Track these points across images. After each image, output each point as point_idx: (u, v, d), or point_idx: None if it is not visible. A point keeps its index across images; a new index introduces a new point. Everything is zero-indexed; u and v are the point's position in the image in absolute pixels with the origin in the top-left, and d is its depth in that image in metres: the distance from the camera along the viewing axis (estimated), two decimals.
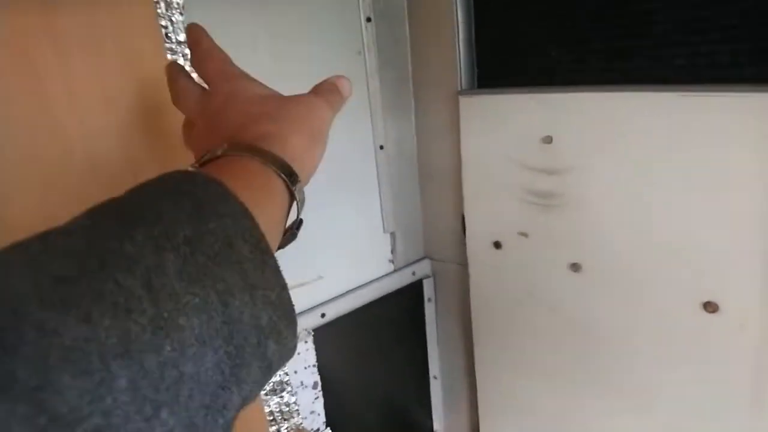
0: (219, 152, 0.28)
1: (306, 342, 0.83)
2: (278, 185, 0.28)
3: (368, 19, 0.84)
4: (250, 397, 0.23)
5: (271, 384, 0.78)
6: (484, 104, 0.79)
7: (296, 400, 0.81)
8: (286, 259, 0.77)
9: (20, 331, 0.16)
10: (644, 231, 0.63)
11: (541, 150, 0.71)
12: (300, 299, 0.84)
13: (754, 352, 0.56)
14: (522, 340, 0.85)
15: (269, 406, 0.79)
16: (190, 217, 0.22)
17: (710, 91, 0.54)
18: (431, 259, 1.01)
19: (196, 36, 0.37)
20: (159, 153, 0.56)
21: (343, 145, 0.85)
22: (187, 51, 0.57)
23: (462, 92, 0.82)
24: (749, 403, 0.59)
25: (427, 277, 1.01)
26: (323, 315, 0.86)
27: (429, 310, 1.03)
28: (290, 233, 0.32)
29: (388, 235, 0.96)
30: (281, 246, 0.30)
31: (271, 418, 0.79)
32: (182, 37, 0.60)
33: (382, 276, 0.96)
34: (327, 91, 0.36)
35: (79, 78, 0.50)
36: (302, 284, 0.84)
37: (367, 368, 0.98)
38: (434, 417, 1.11)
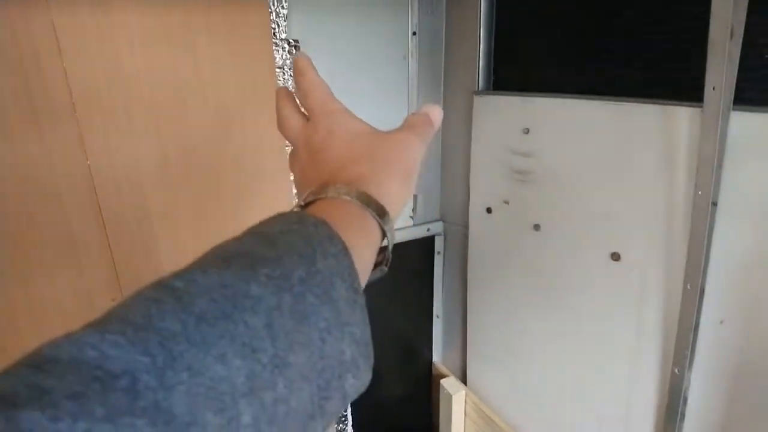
0: (321, 195, 0.30)
1: None
2: (373, 226, 0.30)
3: (414, 33, 1.14)
4: (327, 427, 0.24)
5: None
6: (490, 102, 1.06)
7: None
8: None
9: (176, 369, 0.18)
10: (578, 201, 0.88)
11: (522, 138, 0.98)
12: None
13: (639, 284, 0.80)
14: (500, 285, 1.12)
15: None
16: (302, 258, 0.24)
17: (628, 102, 0.78)
18: (444, 221, 1.29)
19: (301, 68, 0.38)
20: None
21: (386, 125, 1.15)
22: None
23: (476, 93, 1.10)
24: (636, 315, 0.83)
25: (439, 234, 1.29)
26: None
27: (438, 261, 1.31)
28: (379, 269, 0.33)
29: (412, 197, 1.25)
30: (369, 280, 0.31)
31: None
32: (284, 35, 0.92)
33: (403, 227, 1.25)
34: (420, 124, 0.37)
35: (222, 61, 0.84)
36: None
37: (382, 303, 1.27)
38: (434, 350, 1.39)
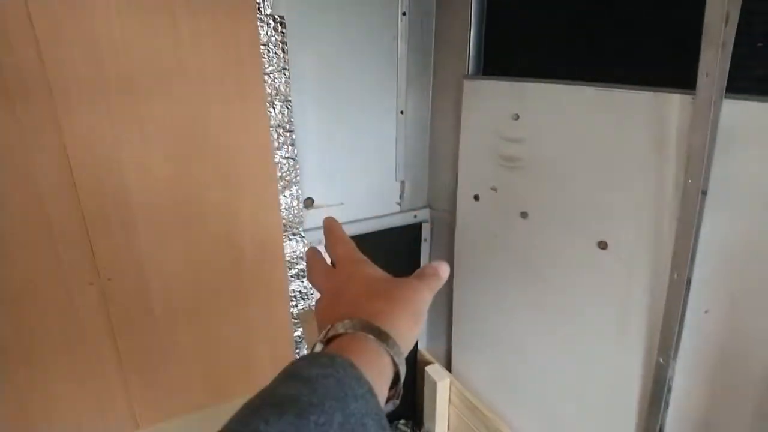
0: (340, 329, 0.34)
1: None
2: (387, 362, 0.33)
3: (404, 13, 1.11)
4: None
5: (296, 270, 1.08)
6: (479, 87, 1.04)
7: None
8: (320, 186, 1.11)
9: None
10: (567, 189, 0.87)
11: (511, 124, 0.96)
12: (325, 216, 1.13)
13: (625, 273, 0.80)
14: (486, 272, 1.11)
15: (293, 290, 1.09)
16: (338, 401, 0.27)
17: (619, 89, 0.77)
18: (431, 208, 1.28)
19: (330, 226, 0.46)
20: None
21: (373, 107, 1.13)
22: None
23: (466, 77, 1.08)
24: (621, 304, 0.82)
25: (426, 221, 1.28)
26: None
27: (424, 248, 1.30)
28: (391, 402, 0.35)
29: (399, 183, 1.23)
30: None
31: (293, 294, 1.09)
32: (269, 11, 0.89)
33: (390, 214, 1.23)
34: (429, 276, 0.41)
35: (204, 37, 0.81)
36: (329, 206, 1.14)
37: None
38: (419, 338, 1.39)
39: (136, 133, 0.83)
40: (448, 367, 1.30)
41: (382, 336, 0.33)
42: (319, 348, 0.34)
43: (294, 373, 0.29)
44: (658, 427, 0.78)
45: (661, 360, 0.74)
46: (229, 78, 0.89)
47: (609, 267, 0.82)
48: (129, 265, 0.89)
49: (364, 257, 0.43)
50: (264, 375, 1.09)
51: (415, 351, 1.39)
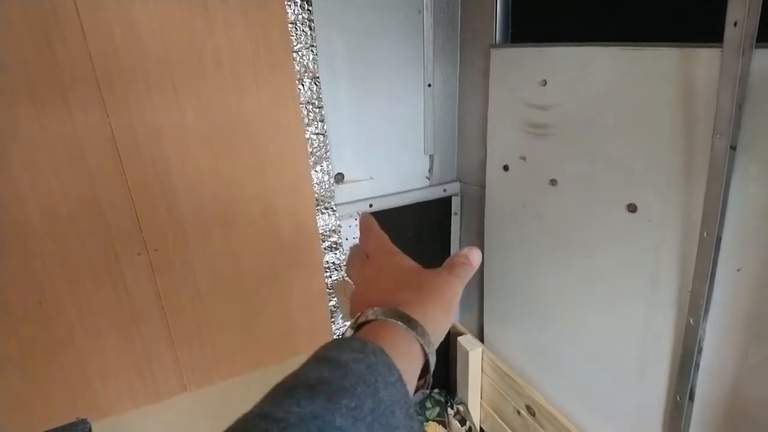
0: (371, 315, 0.34)
1: (356, 219, 1.15)
2: (417, 350, 0.33)
3: None
4: None
5: (329, 242, 1.12)
6: (506, 56, 1.03)
7: (343, 257, 1.14)
8: (350, 161, 1.13)
9: None
10: (595, 153, 0.86)
11: (539, 91, 0.96)
12: (356, 191, 1.17)
13: (655, 235, 0.79)
14: (517, 242, 1.11)
15: (326, 261, 1.13)
16: (368, 387, 0.27)
17: (645, 47, 0.75)
18: (461, 181, 1.29)
19: (366, 222, 0.47)
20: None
21: (401, 81, 1.15)
22: None
23: (493, 46, 1.07)
24: (652, 267, 0.82)
25: (456, 195, 1.29)
26: (371, 205, 1.17)
27: (455, 221, 1.31)
28: (421, 392, 0.35)
29: (428, 157, 1.25)
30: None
31: (326, 266, 1.13)
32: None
33: (419, 188, 1.25)
34: (459, 266, 0.41)
35: (234, 18, 0.85)
36: (359, 180, 1.16)
37: None
38: None
39: (174, 113, 0.88)
40: (481, 337, 1.31)
41: (412, 323, 0.33)
42: (349, 334, 0.34)
43: (326, 357, 0.29)
44: (689, 390, 0.77)
45: (692, 321, 0.74)
46: (259, 59, 0.92)
47: (639, 230, 0.81)
48: (173, 240, 0.95)
49: (397, 249, 0.44)
50: (301, 342, 1.14)
51: None
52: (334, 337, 1.20)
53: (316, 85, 1.00)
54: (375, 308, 0.34)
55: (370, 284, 0.41)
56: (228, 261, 1.01)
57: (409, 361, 0.32)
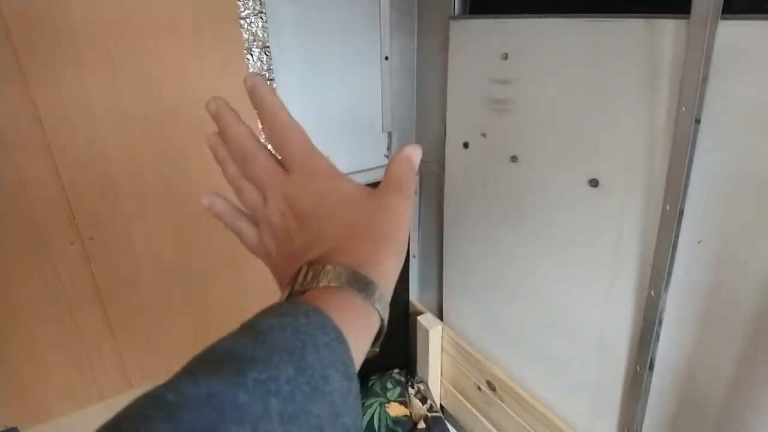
0: (323, 281, 0.28)
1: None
2: (375, 317, 0.28)
3: None
4: None
5: None
6: (466, 28, 1.00)
7: None
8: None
9: None
10: (557, 129, 0.86)
11: (500, 65, 0.93)
12: None
13: (617, 210, 0.79)
14: (477, 220, 1.10)
15: None
16: (291, 354, 0.23)
17: (609, 18, 0.74)
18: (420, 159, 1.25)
19: (268, 103, 0.34)
20: None
21: (355, 54, 1.09)
22: None
23: (452, 17, 1.03)
24: (613, 241, 0.82)
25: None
26: None
27: (414, 201, 1.29)
28: (370, 350, 0.30)
29: (386, 134, 1.20)
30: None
31: None
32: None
33: (378, 167, 1.21)
34: (405, 178, 0.34)
35: None
36: None
37: None
38: (410, 289, 1.39)
39: (109, 86, 0.79)
40: (440, 315, 1.31)
41: (370, 289, 0.28)
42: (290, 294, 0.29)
43: (247, 327, 0.25)
44: (648, 360, 0.79)
45: (653, 293, 0.75)
46: (203, 27, 0.84)
47: (600, 204, 0.82)
48: (111, 225, 0.86)
49: (326, 159, 0.33)
50: None
51: (407, 302, 1.39)
52: None
53: (266, 54, 0.93)
54: (327, 268, 0.28)
55: (306, 222, 0.31)
56: (175, 247, 0.94)
57: (359, 320, 0.27)
